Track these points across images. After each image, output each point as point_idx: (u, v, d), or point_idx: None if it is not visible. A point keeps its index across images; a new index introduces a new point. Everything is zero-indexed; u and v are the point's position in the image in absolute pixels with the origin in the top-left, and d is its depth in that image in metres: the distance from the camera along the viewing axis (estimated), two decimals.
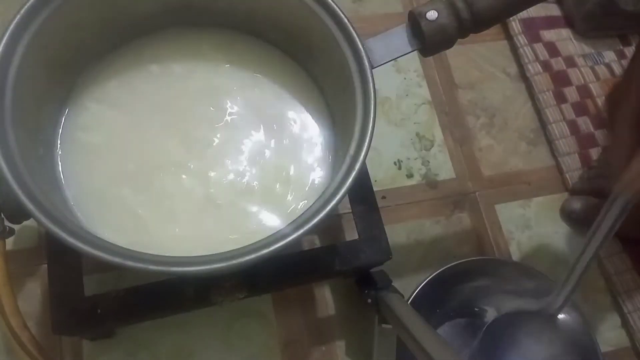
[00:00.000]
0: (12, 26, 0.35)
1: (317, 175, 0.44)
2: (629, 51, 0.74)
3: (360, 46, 0.39)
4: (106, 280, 0.52)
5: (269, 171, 0.43)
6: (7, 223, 0.42)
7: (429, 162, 0.64)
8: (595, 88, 0.70)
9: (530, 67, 0.70)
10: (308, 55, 0.46)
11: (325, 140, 0.45)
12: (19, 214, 0.35)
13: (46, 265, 0.42)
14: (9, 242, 0.44)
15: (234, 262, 0.32)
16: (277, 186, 0.43)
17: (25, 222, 0.37)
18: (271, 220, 0.41)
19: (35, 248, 0.53)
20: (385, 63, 0.40)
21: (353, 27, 0.39)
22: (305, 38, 0.43)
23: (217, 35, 0.47)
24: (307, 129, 0.45)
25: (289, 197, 0.42)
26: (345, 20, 0.40)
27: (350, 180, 0.35)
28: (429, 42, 0.39)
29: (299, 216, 0.35)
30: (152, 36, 0.45)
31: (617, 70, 0.72)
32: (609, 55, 0.73)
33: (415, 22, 0.39)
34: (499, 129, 0.68)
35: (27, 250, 0.53)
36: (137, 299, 0.43)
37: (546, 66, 0.70)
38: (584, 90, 0.70)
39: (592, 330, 0.54)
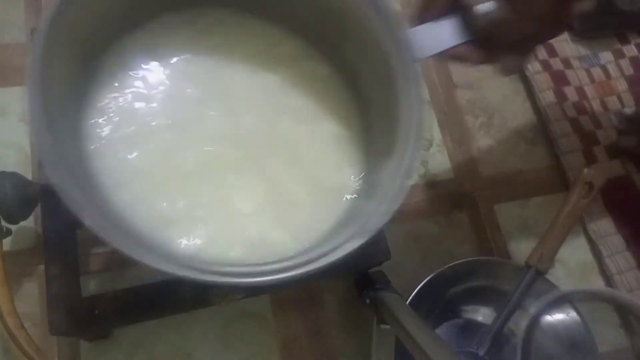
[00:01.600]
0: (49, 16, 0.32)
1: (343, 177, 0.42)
2: (627, 50, 0.73)
3: (404, 35, 0.35)
4: (103, 280, 0.51)
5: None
6: (4, 223, 0.43)
7: (427, 162, 0.64)
8: (589, 90, 0.70)
9: (529, 65, 0.70)
10: (341, 41, 0.42)
11: (354, 142, 0.42)
12: (19, 214, 0.35)
13: (43, 266, 0.42)
14: (6, 242, 0.44)
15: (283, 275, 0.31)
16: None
17: (22, 223, 0.37)
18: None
19: (33, 249, 0.53)
20: (431, 56, 0.37)
21: (395, 13, 0.36)
22: (339, 23, 0.40)
23: (236, 18, 0.44)
24: (334, 125, 0.43)
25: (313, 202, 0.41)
26: (387, 5, 0.36)
27: (394, 210, 0.35)
28: (480, 35, 0.37)
29: (330, 240, 0.34)
30: (178, 15, 0.42)
31: (613, 71, 0.72)
32: (606, 56, 0.73)
33: (466, 13, 0.37)
34: (497, 128, 0.68)
35: (24, 250, 0.53)
36: (134, 299, 0.43)
37: (546, 65, 0.70)
38: (580, 92, 0.70)
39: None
